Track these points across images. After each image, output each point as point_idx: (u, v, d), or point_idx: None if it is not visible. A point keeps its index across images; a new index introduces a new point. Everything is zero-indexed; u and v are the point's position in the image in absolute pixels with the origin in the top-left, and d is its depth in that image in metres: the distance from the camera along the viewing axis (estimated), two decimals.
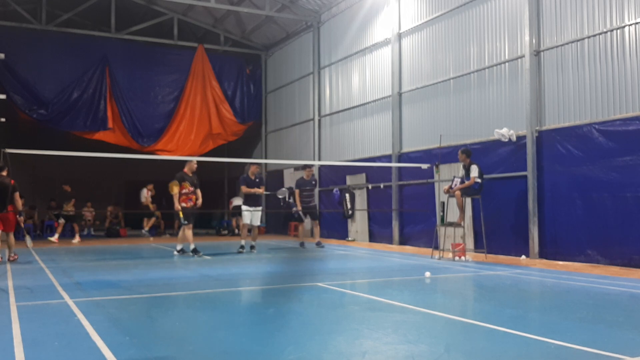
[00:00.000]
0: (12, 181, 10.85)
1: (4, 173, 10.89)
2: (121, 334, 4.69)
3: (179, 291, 7.17)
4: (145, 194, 19.48)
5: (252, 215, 12.91)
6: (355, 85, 17.12)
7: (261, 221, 22.20)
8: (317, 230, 14.68)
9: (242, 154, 23.41)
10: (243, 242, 12.99)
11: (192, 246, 12.03)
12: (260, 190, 13.08)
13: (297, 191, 14.22)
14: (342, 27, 17.66)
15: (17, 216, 11.68)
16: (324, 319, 5.36)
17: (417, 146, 14.35)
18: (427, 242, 13.00)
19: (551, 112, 10.93)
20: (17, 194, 10.89)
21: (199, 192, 12.25)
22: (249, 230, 13.23)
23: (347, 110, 17.49)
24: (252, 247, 13.08)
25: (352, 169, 16.68)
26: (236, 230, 20.48)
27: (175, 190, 11.85)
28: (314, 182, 14.59)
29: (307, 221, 15.49)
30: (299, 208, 14.14)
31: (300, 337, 4.64)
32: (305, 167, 14.84)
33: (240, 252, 12.61)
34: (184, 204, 11.88)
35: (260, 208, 12.95)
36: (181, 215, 11.81)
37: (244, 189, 12.76)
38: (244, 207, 12.99)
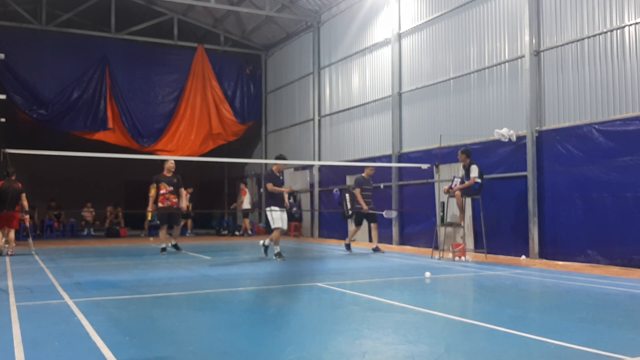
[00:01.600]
0: (20, 184, 12.32)
1: (14, 177, 12.19)
2: (121, 334, 4.69)
3: (179, 291, 7.16)
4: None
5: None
6: (355, 85, 17.12)
7: (260, 221, 22.44)
8: (375, 233, 13.01)
9: (242, 154, 23.42)
10: (278, 248, 11.08)
11: (162, 245, 12.50)
12: (288, 189, 11.99)
13: (357, 190, 12.76)
14: (342, 27, 17.66)
15: (23, 215, 13.34)
16: (324, 319, 5.36)
17: (417, 146, 14.35)
18: (427, 242, 12.99)
19: (551, 112, 10.93)
20: (24, 196, 12.33)
21: (182, 191, 12.41)
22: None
23: (347, 110, 17.48)
24: (279, 254, 11.00)
25: (352, 169, 16.67)
26: (237, 232, 20.48)
27: (152, 192, 12.19)
28: (371, 181, 13.33)
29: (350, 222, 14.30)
30: (366, 208, 12.59)
31: (300, 337, 4.64)
32: (367, 166, 13.51)
33: (282, 258, 10.90)
34: (160, 204, 12.25)
35: (285, 209, 11.35)
36: (151, 215, 12.19)
37: (270, 186, 11.20)
38: (274, 209, 11.13)
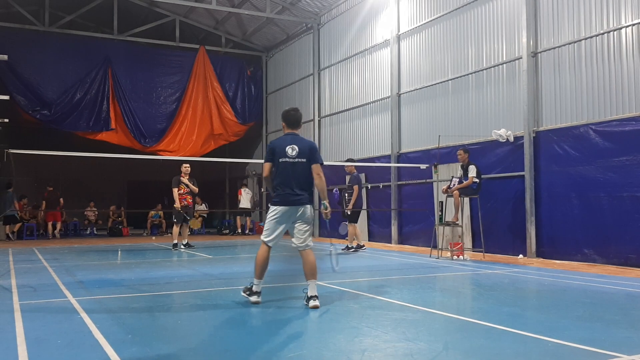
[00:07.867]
0: (58, 193, 18.64)
1: (52, 189, 18.71)
2: (123, 332, 4.74)
3: (181, 290, 7.24)
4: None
5: None
6: (355, 86, 17.18)
7: (261, 220, 22.42)
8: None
9: (243, 154, 23.48)
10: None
11: (175, 241, 13.24)
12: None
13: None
14: (342, 29, 17.72)
15: (63, 211, 19.40)
16: (324, 317, 5.41)
17: (415, 146, 14.42)
18: (426, 241, 13.06)
19: (548, 112, 10.99)
20: (60, 200, 18.89)
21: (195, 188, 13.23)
22: None
23: (346, 111, 17.55)
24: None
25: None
26: (238, 231, 20.53)
27: (175, 193, 12.95)
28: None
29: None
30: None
31: (300, 335, 4.70)
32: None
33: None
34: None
35: None
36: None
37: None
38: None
